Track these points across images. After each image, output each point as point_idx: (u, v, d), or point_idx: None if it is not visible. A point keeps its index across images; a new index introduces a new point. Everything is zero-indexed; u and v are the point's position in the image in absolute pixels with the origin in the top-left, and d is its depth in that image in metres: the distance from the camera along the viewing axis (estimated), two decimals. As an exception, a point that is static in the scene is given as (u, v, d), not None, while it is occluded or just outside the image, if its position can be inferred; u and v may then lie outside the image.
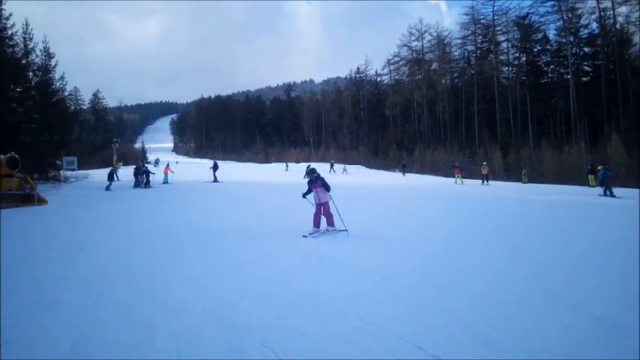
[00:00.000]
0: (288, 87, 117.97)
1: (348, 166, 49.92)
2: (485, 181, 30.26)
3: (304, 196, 9.78)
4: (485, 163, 32.66)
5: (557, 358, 3.59)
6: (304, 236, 9.02)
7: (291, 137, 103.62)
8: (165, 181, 28.26)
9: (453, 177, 33.12)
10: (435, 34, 64.51)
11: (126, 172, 32.95)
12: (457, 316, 4.39)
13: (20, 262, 6.98)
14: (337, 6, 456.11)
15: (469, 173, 40.13)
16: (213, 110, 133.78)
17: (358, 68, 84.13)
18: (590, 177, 28.66)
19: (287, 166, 58.92)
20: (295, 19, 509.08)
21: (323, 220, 9.58)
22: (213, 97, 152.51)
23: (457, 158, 47.59)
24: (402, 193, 23.29)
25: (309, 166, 9.95)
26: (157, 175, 27.60)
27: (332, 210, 9.56)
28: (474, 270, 6.45)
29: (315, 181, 9.63)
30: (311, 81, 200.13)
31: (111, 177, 24.18)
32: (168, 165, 33.39)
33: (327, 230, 9.39)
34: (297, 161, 74.88)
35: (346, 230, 9.28)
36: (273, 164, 72.45)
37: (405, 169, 46.04)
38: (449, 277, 6.00)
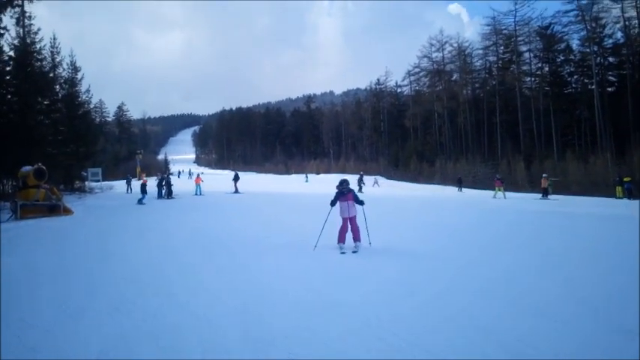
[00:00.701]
0: (308, 98, 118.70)
1: (379, 178, 47.58)
2: (545, 196, 27.05)
3: (332, 204, 9.11)
4: (545, 175, 29.03)
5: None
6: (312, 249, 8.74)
7: (311, 148, 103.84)
8: (198, 193, 27.96)
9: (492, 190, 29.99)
10: (455, 44, 64.24)
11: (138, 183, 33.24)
12: (487, 329, 4.29)
13: (48, 271, 7.09)
14: (358, 17, 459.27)
15: (490, 185, 39.68)
16: (234, 122, 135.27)
17: (378, 79, 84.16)
18: (618, 188, 28.06)
19: (307, 177, 59.15)
20: (316, 31, 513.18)
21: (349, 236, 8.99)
22: (234, 109, 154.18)
23: (480, 170, 47.01)
24: (448, 207, 22.14)
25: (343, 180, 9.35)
26: (186, 185, 27.70)
27: (360, 223, 9.05)
28: (503, 284, 6.30)
29: (347, 193, 9.06)
30: (331, 92, 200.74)
31: (144, 189, 23.22)
32: (198, 175, 32.33)
33: (355, 247, 8.76)
34: (317, 172, 75.03)
35: (370, 243, 8.99)
36: (293, 175, 72.69)
37: (461, 184, 39.15)
38: (480, 290, 5.88)
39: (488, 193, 28.65)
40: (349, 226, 8.99)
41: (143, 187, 23.42)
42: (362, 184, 36.28)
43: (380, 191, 34.83)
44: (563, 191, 34.09)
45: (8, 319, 4.61)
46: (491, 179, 40.31)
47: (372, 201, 9.89)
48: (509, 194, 28.63)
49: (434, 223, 14.56)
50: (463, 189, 38.04)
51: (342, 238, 8.95)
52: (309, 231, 9.84)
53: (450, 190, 38.60)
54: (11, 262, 7.72)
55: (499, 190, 27.87)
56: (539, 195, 27.93)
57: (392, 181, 54.68)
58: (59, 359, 3.60)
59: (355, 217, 9.02)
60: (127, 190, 31.99)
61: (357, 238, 8.92)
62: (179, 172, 70.57)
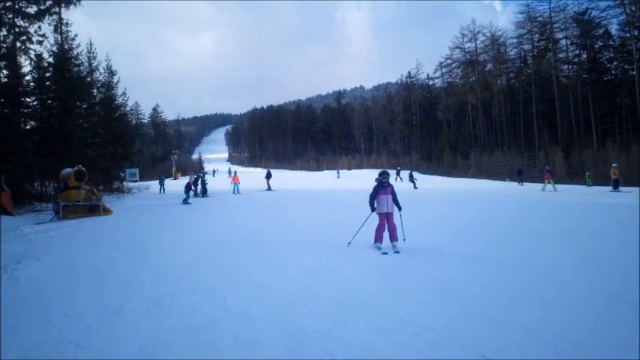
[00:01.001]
0: (339, 94, 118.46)
1: (414, 173, 41.23)
2: (615, 188, 24.75)
3: (372, 205, 8.32)
4: (614, 165, 26.28)
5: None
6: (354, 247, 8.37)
7: (342, 144, 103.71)
8: (235, 191, 28.06)
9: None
10: (488, 34, 62.97)
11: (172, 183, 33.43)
12: (525, 324, 4.18)
13: (88, 269, 7.30)
14: (387, 10, 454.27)
15: (528, 177, 38.49)
16: (265, 120, 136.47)
17: (409, 72, 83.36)
18: (663, 178, 26.95)
19: (338, 173, 59.07)
20: (346, 27, 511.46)
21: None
22: (265, 107, 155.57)
23: (517, 161, 45.82)
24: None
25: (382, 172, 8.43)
26: (222, 184, 27.88)
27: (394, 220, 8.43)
28: (543, 280, 6.14)
29: (387, 186, 8.33)
30: (361, 87, 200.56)
31: (188, 188, 22.84)
32: (236, 174, 31.77)
33: (395, 247, 8.08)
34: (349, 168, 74.88)
35: (404, 240, 8.45)
36: (325, 172, 72.75)
37: (521, 176, 36.01)
38: (518, 286, 5.75)
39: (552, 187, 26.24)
40: (387, 223, 8.31)
41: (188, 186, 23.18)
42: (414, 180, 34.04)
43: (423, 186, 33.28)
44: (604, 181, 32.92)
45: (51, 314, 4.79)
46: (529, 171, 39.19)
47: (425, 197, 9.35)
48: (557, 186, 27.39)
49: (498, 222, 13.29)
50: (524, 182, 35.65)
51: (379, 237, 8.30)
52: (344, 228, 9.86)
53: (496, 184, 37.67)
54: (54, 261, 8.01)
55: (548, 182, 26.85)
56: (585, 185, 26.45)
57: (425, 176, 53.90)
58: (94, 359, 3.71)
59: (393, 213, 8.36)
60: (160, 190, 32.35)
61: (394, 237, 8.24)
62: (214, 171, 71.30)
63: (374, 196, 8.37)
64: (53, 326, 4.40)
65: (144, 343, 3.92)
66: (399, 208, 8.47)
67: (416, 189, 29.87)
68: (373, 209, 8.38)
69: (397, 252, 7.95)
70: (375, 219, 8.55)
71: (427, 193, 25.29)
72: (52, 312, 4.86)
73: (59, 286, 6.21)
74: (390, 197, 8.30)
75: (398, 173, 41.45)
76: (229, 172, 61.88)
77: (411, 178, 35.45)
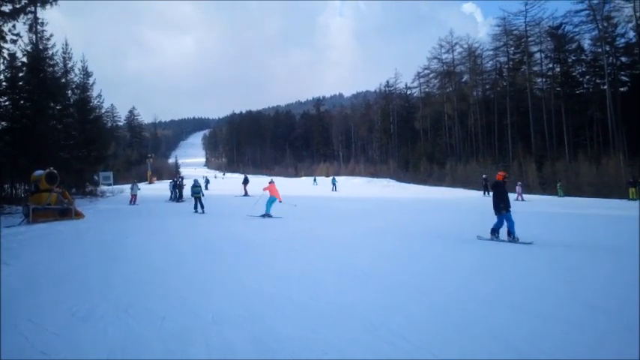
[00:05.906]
0: (318, 101, 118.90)
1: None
2: None
3: None
4: None
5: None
6: None
7: (320, 151, 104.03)
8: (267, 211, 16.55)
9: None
10: (465, 45, 64.17)
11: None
12: (497, 332, 4.23)
13: (57, 274, 7.12)
14: (370, 18, 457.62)
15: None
16: (243, 125, 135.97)
17: (388, 82, 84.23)
18: (632, 190, 27.70)
19: (315, 180, 58.94)
20: (327, 33, 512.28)
21: None
22: (244, 112, 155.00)
23: (491, 171, 46.50)
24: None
25: None
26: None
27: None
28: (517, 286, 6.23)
29: None
30: (340, 95, 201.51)
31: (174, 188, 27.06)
32: (272, 182, 17.48)
33: None
34: (327, 175, 75.20)
35: None
36: (303, 178, 72.82)
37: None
38: (488, 292, 5.82)
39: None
40: None
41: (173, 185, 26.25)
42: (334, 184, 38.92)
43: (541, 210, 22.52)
44: (575, 193, 33.77)
45: (17, 320, 4.65)
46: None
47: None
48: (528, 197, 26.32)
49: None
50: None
51: None
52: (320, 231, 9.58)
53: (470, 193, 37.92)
54: (22, 265, 7.80)
55: None
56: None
57: (402, 184, 54.39)
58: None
59: None
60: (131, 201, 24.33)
61: None
62: (207, 180, 46.16)
63: None
64: (19, 333, 4.28)
65: (112, 350, 3.84)
66: None
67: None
68: None
69: None
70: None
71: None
72: (18, 318, 4.73)
73: (26, 291, 6.04)
74: None
75: (486, 186, 31.75)
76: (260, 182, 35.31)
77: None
